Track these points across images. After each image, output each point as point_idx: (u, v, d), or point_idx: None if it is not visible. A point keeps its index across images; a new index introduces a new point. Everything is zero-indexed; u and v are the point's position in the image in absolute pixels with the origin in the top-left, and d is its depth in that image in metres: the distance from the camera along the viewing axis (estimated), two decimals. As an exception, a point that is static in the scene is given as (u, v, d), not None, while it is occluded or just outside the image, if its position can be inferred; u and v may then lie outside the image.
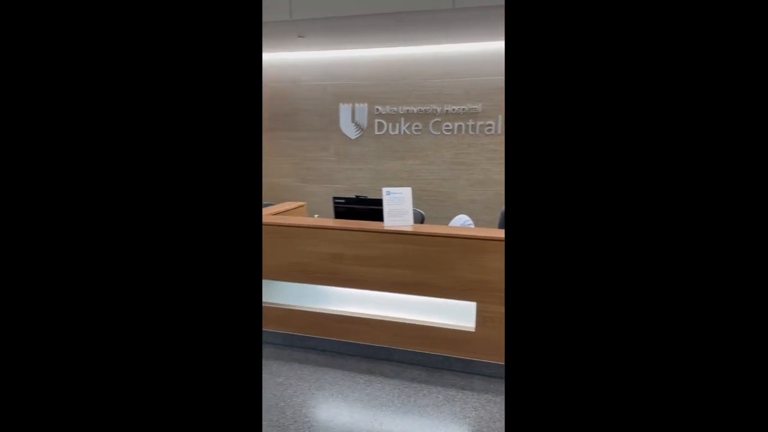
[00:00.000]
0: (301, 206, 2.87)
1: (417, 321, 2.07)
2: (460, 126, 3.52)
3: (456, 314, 2.05)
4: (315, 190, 3.95)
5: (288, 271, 2.19)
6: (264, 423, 1.66)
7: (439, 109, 3.55)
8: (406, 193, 2.12)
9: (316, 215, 3.62)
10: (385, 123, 3.68)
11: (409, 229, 2.06)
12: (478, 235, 1.96)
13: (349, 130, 3.79)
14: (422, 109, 3.57)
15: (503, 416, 1.63)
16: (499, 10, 2.52)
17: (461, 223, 2.42)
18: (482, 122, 3.46)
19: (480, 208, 3.53)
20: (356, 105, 3.72)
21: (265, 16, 2.85)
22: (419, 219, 2.66)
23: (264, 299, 2.32)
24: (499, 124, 3.44)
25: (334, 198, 2.45)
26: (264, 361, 2.14)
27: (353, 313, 2.16)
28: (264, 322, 2.28)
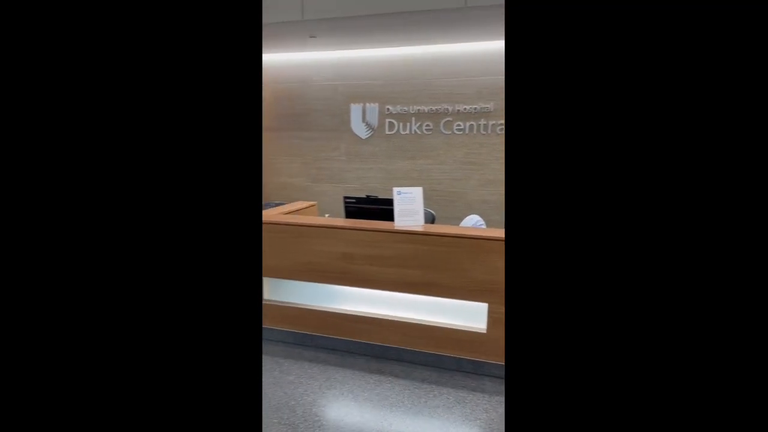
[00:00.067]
0: (312, 206, 2.89)
1: (427, 321, 2.06)
2: (471, 125, 3.50)
3: (467, 315, 2.03)
4: (325, 190, 3.97)
5: (299, 270, 2.20)
6: (274, 421, 1.67)
7: (450, 109, 3.53)
8: (417, 192, 2.12)
9: (326, 215, 3.63)
10: (395, 123, 3.67)
11: (419, 229, 2.05)
12: (490, 235, 1.94)
13: (360, 129, 3.79)
14: (433, 108, 3.56)
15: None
16: (512, 8, 2.49)
17: (473, 223, 2.40)
18: (494, 122, 3.43)
19: (491, 209, 3.50)
20: (367, 105, 3.72)
21: (277, 17, 2.88)
22: (430, 219, 2.64)
23: (275, 298, 2.33)
24: (511, 123, 3.40)
25: (345, 198, 2.46)
26: (275, 360, 2.15)
27: (363, 312, 2.16)
28: (275, 321, 2.30)
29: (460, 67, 3.44)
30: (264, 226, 2.24)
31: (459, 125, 3.52)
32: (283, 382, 1.95)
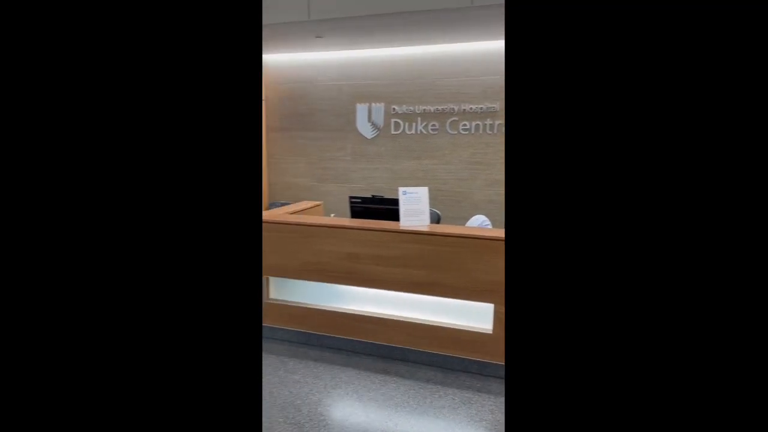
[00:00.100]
0: (317, 205, 2.89)
1: (433, 322, 2.06)
2: (477, 125, 3.49)
3: (473, 315, 2.02)
4: (331, 190, 3.97)
5: (304, 269, 2.21)
6: (280, 420, 1.68)
7: (456, 108, 3.52)
8: (422, 192, 2.11)
9: (332, 215, 3.64)
10: (401, 122, 3.67)
11: (425, 229, 2.04)
12: (496, 235, 1.93)
13: (365, 129, 3.79)
14: (439, 108, 3.55)
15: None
16: (518, 7, 2.48)
17: (479, 223, 2.39)
18: (500, 121, 3.41)
19: (497, 209, 3.48)
20: (373, 105, 3.73)
21: (283, 17, 2.89)
22: (435, 219, 2.64)
23: (280, 297, 2.34)
24: (517, 123, 3.38)
25: (351, 197, 2.46)
26: (280, 359, 2.16)
27: (369, 312, 2.16)
28: (280, 320, 2.30)
29: (466, 66, 3.43)
30: (270, 226, 2.25)
31: (465, 125, 3.51)
32: (288, 381, 1.95)
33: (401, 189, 2.12)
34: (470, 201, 3.59)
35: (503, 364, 1.97)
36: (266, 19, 2.92)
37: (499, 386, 1.93)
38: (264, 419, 1.69)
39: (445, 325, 2.03)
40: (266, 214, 2.41)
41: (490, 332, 1.97)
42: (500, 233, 1.98)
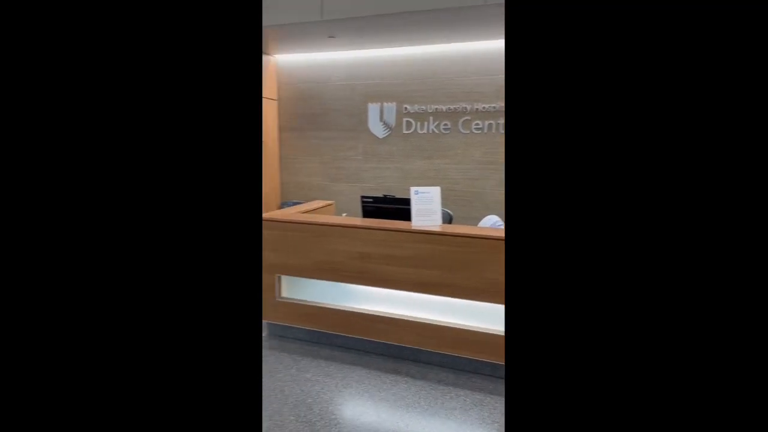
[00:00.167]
0: (329, 205, 2.90)
1: (444, 322, 2.05)
2: (490, 124, 3.45)
3: (485, 317, 2.00)
4: (342, 189, 3.99)
5: (316, 268, 2.22)
6: (291, 418, 1.69)
7: (468, 108, 3.49)
8: (434, 192, 2.10)
9: (344, 214, 3.64)
10: (413, 122, 3.66)
11: (437, 229, 2.03)
12: (509, 236, 1.90)
13: (377, 129, 3.79)
14: (451, 107, 3.53)
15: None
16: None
17: (491, 223, 2.37)
18: (513, 121, 3.37)
19: (510, 209, 3.44)
20: (384, 104, 3.72)
21: (296, 17, 2.90)
22: (447, 219, 2.62)
23: (292, 296, 2.36)
24: (531, 122, 3.34)
25: (362, 197, 2.46)
26: (292, 357, 2.18)
27: (380, 312, 2.16)
28: (292, 319, 2.32)
29: (480, 65, 3.40)
30: (282, 225, 2.27)
31: (477, 124, 3.48)
32: (300, 380, 1.97)
33: (413, 189, 2.12)
34: (482, 201, 3.56)
35: (516, 366, 1.94)
36: (279, 19, 2.94)
37: (512, 388, 1.91)
38: (276, 417, 1.70)
39: (456, 326, 2.02)
40: (278, 214, 2.43)
41: (503, 334, 1.95)
42: (513, 234, 1.95)
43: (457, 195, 3.59)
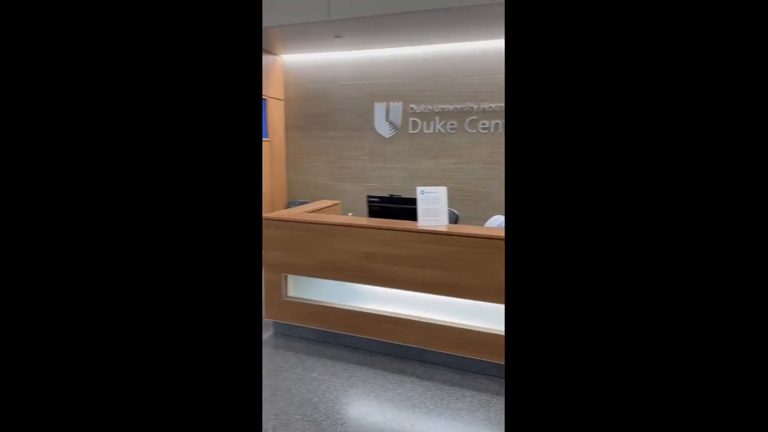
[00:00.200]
0: (335, 204, 2.91)
1: (450, 323, 2.04)
2: (497, 124, 3.44)
3: (491, 317, 1.99)
4: (348, 189, 3.99)
5: (322, 268, 2.22)
6: (297, 417, 1.69)
7: (475, 107, 3.47)
8: (441, 192, 2.09)
9: (350, 214, 3.65)
10: (419, 121, 3.65)
11: (443, 229, 2.02)
12: (516, 236, 1.89)
13: (383, 129, 3.79)
14: (458, 107, 3.51)
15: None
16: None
17: (498, 224, 2.35)
18: (520, 120, 3.35)
19: (517, 209, 3.42)
20: (391, 104, 3.72)
21: (303, 17, 2.91)
22: (454, 219, 2.61)
23: (298, 295, 2.36)
24: (538, 121, 3.32)
25: (368, 197, 2.46)
26: (298, 356, 2.18)
27: (386, 312, 2.15)
28: (298, 318, 2.33)
29: (486, 64, 3.38)
30: (289, 225, 2.27)
31: (484, 124, 3.47)
32: (306, 379, 1.97)
33: (419, 188, 2.11)
34: (489, 201, 3.55)
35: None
36: (286, 19, 2.95)
37: (518, 390, 1.89)
38: (282, 416, 1.71)
39: (462, 327, 2.01)
40: (285, 213, 2.44)
41: (509, 334, 1.94)
42: (520, 234, 1.94)
43: (464, 195, 3.58)
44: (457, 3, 2.54)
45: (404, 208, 2.32)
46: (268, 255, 2.34)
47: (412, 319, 2.10)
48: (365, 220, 2.24)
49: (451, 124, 3.56)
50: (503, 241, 1.89)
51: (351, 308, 2.22)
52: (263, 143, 3.81)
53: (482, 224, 2.49)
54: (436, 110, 3.58)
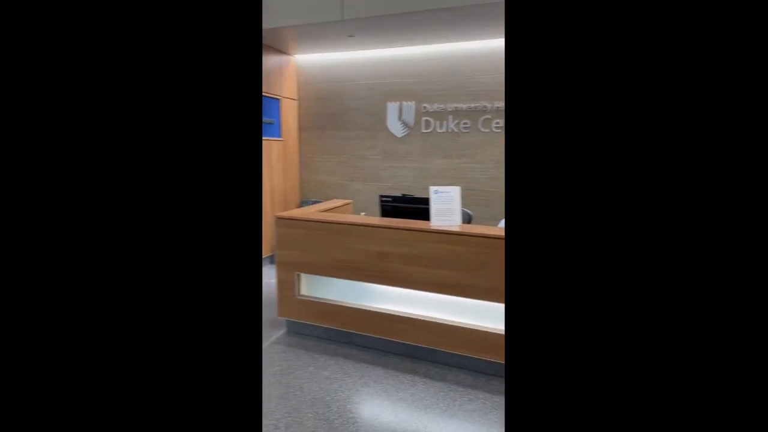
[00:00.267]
0: (347, 204, 2.91)
1: (463, 323, 2.02)
2: (511, 123, 3.39)
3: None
4: (360, 188, 4.00)
5: (334, 267, 2.23)
6: (309, 415, 1.70)
7: (489, 106, 3.44)
8: (454, 192, 2.08)
9: (362, 213, 3.65)
10: (432, 121, 3.63)
11: (456, 229, 2.01)
12: (531, 237, 1.86)
13: (395, 128, 3.78)
14: (471, 106, 3.48)
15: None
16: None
17: (512, 224, 2.32)
18: (535, 119, 3.31)
19: (531, 209, 3.37)
20: (403, 103, 3.71)
21: (317, 17, 2.92)
22: (467, 219, 2.59)
23: (311, 294, 2.37)
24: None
25: (381, 196, 2.46)
26: (310, 355, 2.19)
27: (398, 312, 2.15)
28: (311, 316, 2.34)
29: (500, 63, 3.35)
30: (302, 224, 2.29)
31: (498, 123, 3.43)
32: (318, 378, 1.98)
33: (432, 188, 2.10)
34: (502, 201, 3.51)
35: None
36: (299, 19, 2.97)
37: (532, 392, 1.87)
38: (294, 414, 1.72)
39: (475, 328, 1.99)
40: (298, 212, 2.45)
41: (523, 336, 1.91)
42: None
43: (477, 195, 3.55)
44: (471, 1, 2.52)
45: (417, 208, 2.31)
46: (281, 254, 2.35)
47: (424, 319, 2.09)
48: (378, 220, 2.24)
49: (465, 124, 3.53)
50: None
51: (363, 307, 2.22)
52: (277, 143, 3.84)
53: (496, 224, 2.46)
54: (449, 109, 3.56)
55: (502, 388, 1.91)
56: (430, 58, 3.57)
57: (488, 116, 3.45)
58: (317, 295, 2.36)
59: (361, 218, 2.34)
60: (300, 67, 4.07)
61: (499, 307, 1.96)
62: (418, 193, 2.59)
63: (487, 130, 3.47)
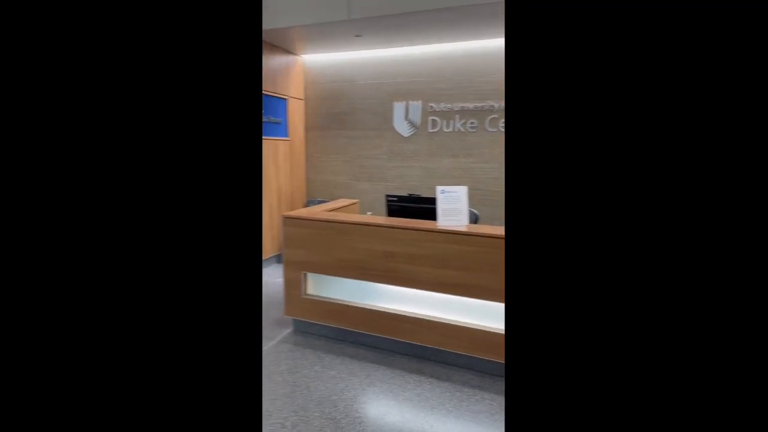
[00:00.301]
0: (354, 203, 2.91)
1: (469, 324, 2.02)
2: (518, 123, 3.37)
3: (512, 319, 1.96)
4: (366, 188, 4.00)
5: (341, 266, 2.23)
6: (316, 414, 1.71)
7: (496, 106, 3.42)
8: (461, 192, 2.07)
9: (368, 213, 3.65)
10: (438, 120, 3.62)
11: (463, 229, 2.00)
12: (539, 237, 1.85)
13: (402, 127, 3.78)
14: (478, 105, 3.47)
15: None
16: None
17: (519, 224, 2.31)
18: (543, 118, 3.28)
19: (538, 209, 3.35)
20: (410, 103, 3.70)
21: (324, 17, 2.92)
22: (473, 219, 2.58)
23: (317, 293, 2.38)
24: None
25: (387, 196, 2.46)
26: (317, 354, 2.20)
27: (405, 312, 2.15)
28: (317, 315, 2.34)
29: (508, 62, 3.32)
30: (308, 223, 2.29)
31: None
32: (325, 377, 1.98)
33: (439, 188, 2.09)
34: (509, 201, 3.48)
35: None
36: (307, 19, 2.97)
37: (539, 394, 1.86)
38: (301, 413, 1.72)
39: (482, 328, 1.98)
40: (304, 212, 2.46)
41: (531, 337, 1.90)
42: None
43: (484, 195, 3.53)
44: (478, 0, 2.50)
45: (423, 208, 2.31)
46: (288, 253, 2.36)
47: (430, 319, 2.09)
48: (384, 220, 2.24)
49: (471, 123, 3.51)
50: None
51: (369, 307, 2.22)
52: (284, 143, 3.85)
53: (502, 225, 2.45)
54: (456, 109, 3.54)
55: (509, 389, 1.90)
56: (436, 58, 3.56)
57: (495, 116, 3.44)
58: (324, 295, 2.36)
59: (368, 218, 2.34)
60: (307, 66, 4.08)
61: (506, 308, 1.95)
62: (425, 193, 2.59)
63: (494, 130, 3.45)
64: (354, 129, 3.98)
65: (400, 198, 2.44)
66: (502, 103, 3.40)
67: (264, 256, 3.68)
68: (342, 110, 4.00)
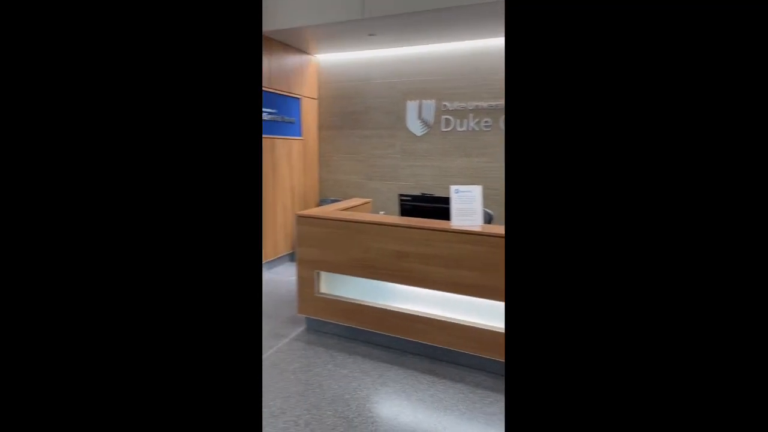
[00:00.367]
0: (367, 203, 2.91)
1: (483, 325, 1.99)
2: (533, 121, 3.32)
3: (527, 321, 1.93)
4: (379, 187, 3.99)
5: (353, 265, 2.23)
6: (329, 413, 1.71)
7: (510, 104, 3.38)
8: (476, 191, 2.05)
9: (381, 212, 3.65)
10: (452, 119, 3.60)
11: (477, 229, 1.98)
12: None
13: (415, 127, 3.76)
14: (492, 104, 3.43)
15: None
16: None
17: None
18: (559, 117, 3.23)
19: (553, 209, 3.30)
20: (423, 101, 3.69)
21: (338, 16, 2.93)
22: (487, 219, 2.56)
23: (330, 292, 2.39)
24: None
25: (400, 195, 2.45)
26: (329, 353, 2.21)
27: (418, 312, 2.14)
28: (330, 314, 2.35)
29: (523, 60, 3.28)
30: (321, 222, 2.30)
31: (520, 121, 3.37)
32: (337, 376, 1.99)
33: (453, 187, 2.07)
34: (524, 201, 3.44)
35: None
36: (321, 19, 2.98)
37: (555, 397, 1.83)
38: (314, 411, 1.73)
39: (495, 329, 1.96)
40: (317, 211, 2.47)
41: (546, 339, 1.87)
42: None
43: (498, 194, 3.49)
44: (495, -3, 2.47)
45: (436, 207, 2.29)
46: (301, 251, 2.37)
47: (443, 319, 2.07)
48: (397, 219, 2.23)
49: (486, 122, 3.48)
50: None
51: (382, 307, 2.22)
52: (297, 142, 3.88)
53: (517, 225, 2.41)
54: (470, 108, 3.51)
55: (524, 391, 1.87)
56: (450, 56, 3.53)
57: (510, 114, 3.39)
58: (336, 293, 2.37)
59: (381, 217, 2.34)
60: (321, 66, 4.09)
61: (521, 309, 1.92)
62: (438, 193, 2.57)
63: (509, 129, 3.41)
64: (367, 128, 3.97)
65: (414, 197, 2.42)
66: (517, 102, 3.35)
67: (277, 255, 3.71)
68: (355, 109, 4.00)
